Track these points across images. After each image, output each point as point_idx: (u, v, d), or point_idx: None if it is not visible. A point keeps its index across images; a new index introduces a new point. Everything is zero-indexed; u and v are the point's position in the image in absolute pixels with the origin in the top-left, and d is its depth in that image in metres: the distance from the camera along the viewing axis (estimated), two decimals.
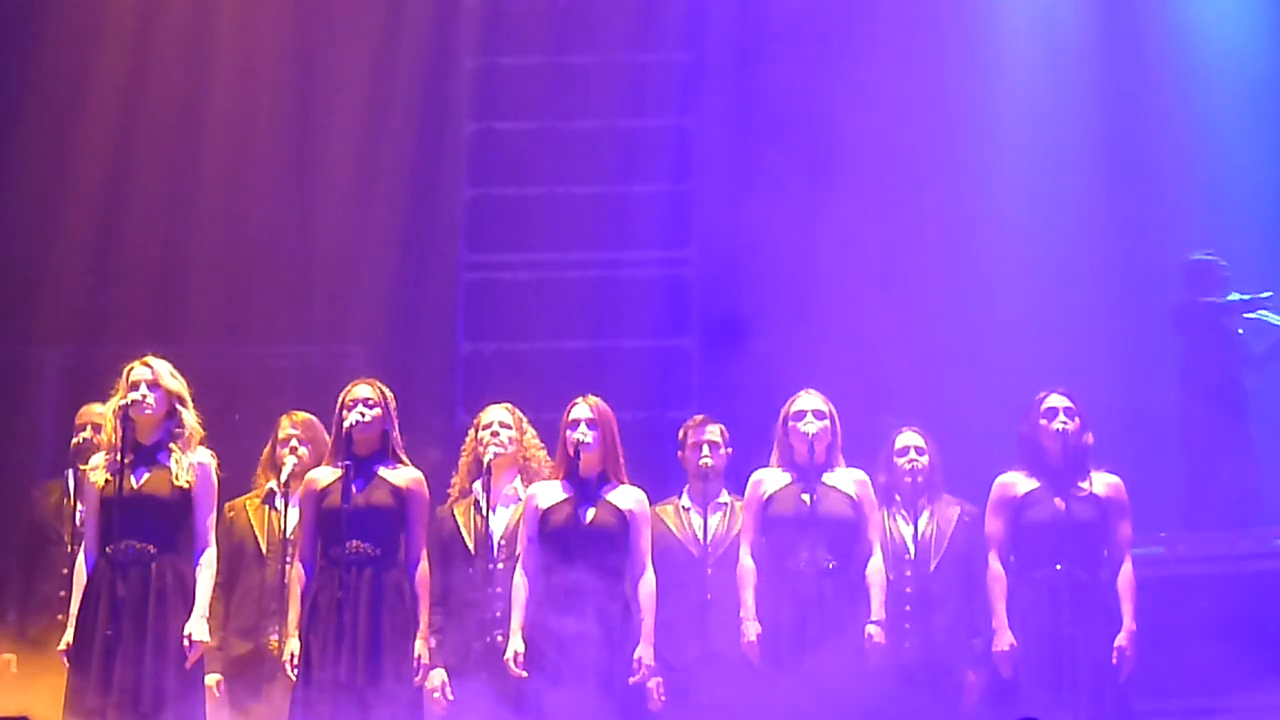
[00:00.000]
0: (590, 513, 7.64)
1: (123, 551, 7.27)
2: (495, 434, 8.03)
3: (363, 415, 7.58)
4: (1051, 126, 10.63)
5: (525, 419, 8.20)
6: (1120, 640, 7.66)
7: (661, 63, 10.90)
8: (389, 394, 7.72)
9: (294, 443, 8.18)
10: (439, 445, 8.84)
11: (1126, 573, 7.77)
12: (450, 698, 7.74)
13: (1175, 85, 10.66)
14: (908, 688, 7.86)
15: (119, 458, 7.31)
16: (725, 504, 8.20)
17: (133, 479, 7.34)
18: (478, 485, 7.97)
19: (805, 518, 7.74)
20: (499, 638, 7.65)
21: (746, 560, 7.81)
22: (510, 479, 8.08)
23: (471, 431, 8.18)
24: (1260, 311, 10.09)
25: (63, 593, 7.91)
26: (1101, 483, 7.87)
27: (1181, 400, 10.13)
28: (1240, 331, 10.11)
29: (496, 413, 8.12)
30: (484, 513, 7.90)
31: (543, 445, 8.18)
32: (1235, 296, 10.09)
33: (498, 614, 7.74)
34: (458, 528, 7.99)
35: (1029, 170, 10.49)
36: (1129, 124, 10.62)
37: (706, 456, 8.20)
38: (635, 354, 10.45)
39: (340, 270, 10.64)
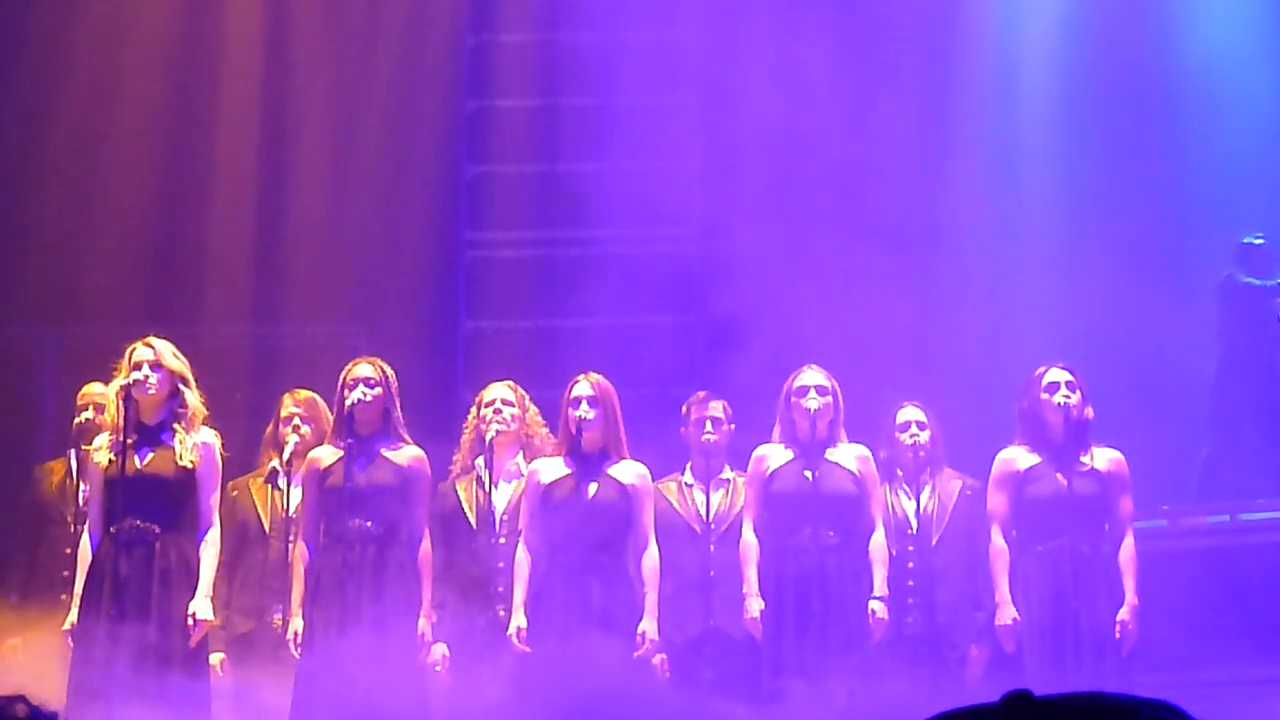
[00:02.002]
0: (592, 488, 7.64)
1: (126, 531, 7.28)
2: (498, 411, 8.01)
3: (364, 394, 7.58)
4: (1052, 109, 10.60)
5: (528, 396, 8.20)
6: (1122, 615, 7.65)
7: (660, 39, 10.86)
8: (390, 372, 7.72)
9: (296, 421, 8.18)
10: (440, 424, 8.83)
11: (1128, 547, 7.75)
12: (451, 673, 7.75)
13: (1187, 63, 10.62)
14: (910, 663, 7.87)
15: (122, 438, 7.31)
16: (728, 480, 8.18)
17: (136, 459, 7.35)
18: (480, 461, 7.96)
19: (808, 494, 7.73)
20: (501, 613, 7.66)
21: (749, 536, 7.80)
22: (512, 456, 8.07)
23: (474, 409, 8.18)
24: None
25: (66, 573, 7.90)
26: (1103, 457, 7.85)
27: (1217, 375, 10.07)
28: None
29: (499, 390, 8.11)
30: (486, 488, 7.90)
31: (545, 423, 8.18)
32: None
33: (500, 589, 7.75)
34: (460, 504, 7.99)
35: (1030, 150, 10.47)
36: (1126, 106, 10.59)
37: (709, 432, 8.19)
38: (637, 331, 10.41)
39: (341, 249, 10.61)
